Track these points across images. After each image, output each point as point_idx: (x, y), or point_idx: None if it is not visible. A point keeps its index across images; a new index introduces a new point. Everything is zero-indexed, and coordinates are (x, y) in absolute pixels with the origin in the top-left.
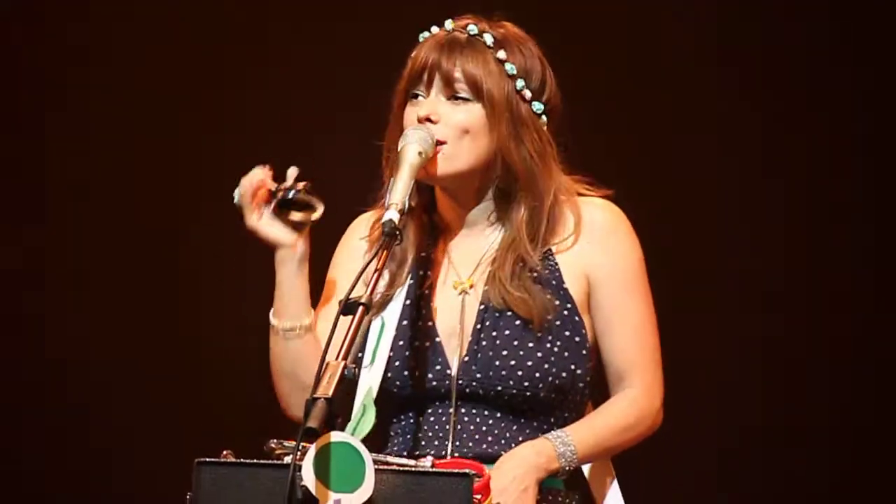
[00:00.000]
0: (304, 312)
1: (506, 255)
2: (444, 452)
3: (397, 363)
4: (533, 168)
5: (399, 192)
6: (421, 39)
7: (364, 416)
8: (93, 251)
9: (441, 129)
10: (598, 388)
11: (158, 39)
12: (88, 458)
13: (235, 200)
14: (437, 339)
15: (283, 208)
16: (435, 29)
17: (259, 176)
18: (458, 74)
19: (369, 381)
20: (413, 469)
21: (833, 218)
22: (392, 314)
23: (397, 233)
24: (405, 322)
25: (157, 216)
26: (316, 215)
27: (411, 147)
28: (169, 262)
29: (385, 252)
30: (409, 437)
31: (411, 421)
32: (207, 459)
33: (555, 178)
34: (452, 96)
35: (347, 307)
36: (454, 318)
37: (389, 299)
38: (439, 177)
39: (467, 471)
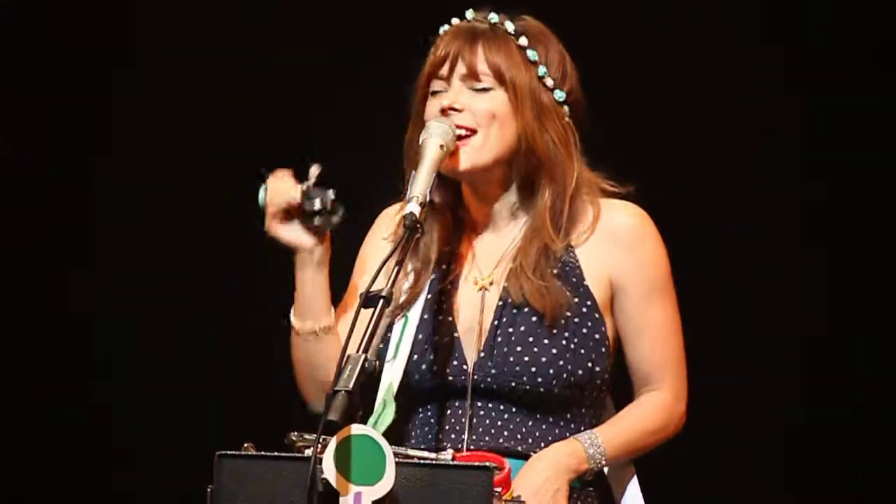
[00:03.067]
0: (324, 314)
1: (530, 244)
2: (460, 446)
3: (416, 357)
4: (556, 154)
5: (420, 185)
6: (441, 33)
7: (384, 410)
8: (133, 242)
9: (467, 117)
10: (620, 387)
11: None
12: (111, 451)
13: (260, 202)
14: (456, 335)
15: (304, 213)
16: (455, 21)
17: (286, 187)
18: (480, 62)
19: (391, 375)
20: (433, 462)
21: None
22: (415, 310)
23: (418, 226)
24: (426, 317)
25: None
26: (336, 221)
27: (433, 140)
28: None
29: (406, 245)
30: (426, 430)
31: (429, 414)
32: (228, 452)
33: (577, 167)
34: (475, 86)
35: (368, 300)
36: (474, 314)
37: (415, 297)
38: (466, 171)
39: (488, 464)
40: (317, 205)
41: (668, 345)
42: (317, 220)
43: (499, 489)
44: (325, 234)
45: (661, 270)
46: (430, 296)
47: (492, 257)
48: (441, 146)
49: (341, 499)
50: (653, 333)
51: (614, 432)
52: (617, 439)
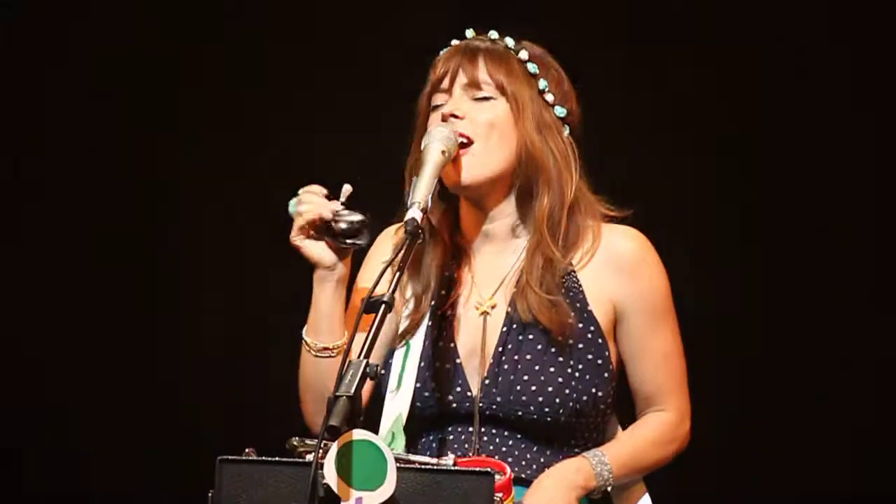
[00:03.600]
0: (338, 333)
1: (532, 260)
2: None
3: (419, 384)
4: (556, 165)
5: (421, 190)
6: (441, 53)
7: (393, 442)
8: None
9: (467, 126)
10: (622, 408)
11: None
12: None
13: (291, 211)
14: (458, 361)
15: (333, 231)
16: (455, 42)
17: (320, 202)
18: (481, 73)
19: (397, 407)
20: (435, 467)
21: None
22: (417, 337)
23: (420, 231)
24: (427, 343)
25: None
26: (363, 242)
27: (434, 146)
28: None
29: (408, 250)
30: (432, 456)
31: (432, 441)
32: (230, 457)
33: (576, 182)
34: (476, 96)
35: (370, 305)
36: (475, 338)
37: (416, 324)
38: (469, 184)
39: (489, 469)
40: (346, 225)
41: (671, 366)
42: (342, 241)
43: (500, 494)
44: (348, 254)
45: (662, 295)
46: (430, 322)
47: (492, 280)
48: (443, 151)
49: None
50: (656, 356)
51: (620, 449)
52: (623, 457)
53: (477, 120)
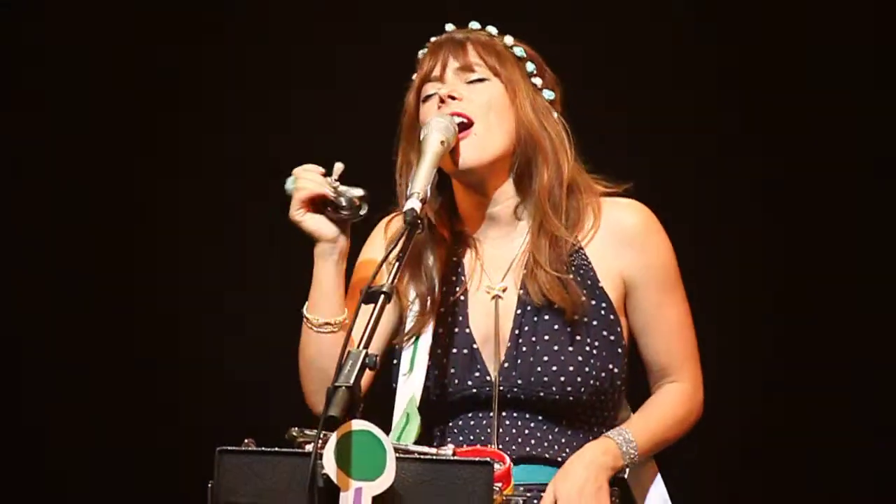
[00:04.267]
0: (339, 308)
1: (539, 239)
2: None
3: (436, 372)
4: (552, 144)
5: (421, 180)
6: (425, 48)
7: (408, 424)
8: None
9: (466, 106)
10: (632, 383)
11: None
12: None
13: (288, 189)
14: (475, 346)
15: (333, 204)
16: (434, 39)
17: (317, 178)
18: (472, 56)
19: (410, 389)
20: (434, 457)
21: None
22: (428, 327)
23: (419, 221)
24: (441, 330)
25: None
26: (363, 214)
27: (433, 135)
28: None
29: (407, 240)
30: (451, 443)
31: (452, 428)
32: (229, 448)
33: (571, 162)
34: (470, 78)
35: (369, 296)
36: (489, 323)
37: (425, 324)
38: (470, 167)
39: (488, 459)
40: (345, 201)
41: (683, 337)
42: (344, 213)
43: (499, 484)
44: (347, 227)
45: (671, 265)
46: (442, 309)
47: (500, 264)
48: (442, 141)
49: (342, 494)
50: (668, 328)
51: (643, 426)
52: (646, 433)
53: (474, 100)
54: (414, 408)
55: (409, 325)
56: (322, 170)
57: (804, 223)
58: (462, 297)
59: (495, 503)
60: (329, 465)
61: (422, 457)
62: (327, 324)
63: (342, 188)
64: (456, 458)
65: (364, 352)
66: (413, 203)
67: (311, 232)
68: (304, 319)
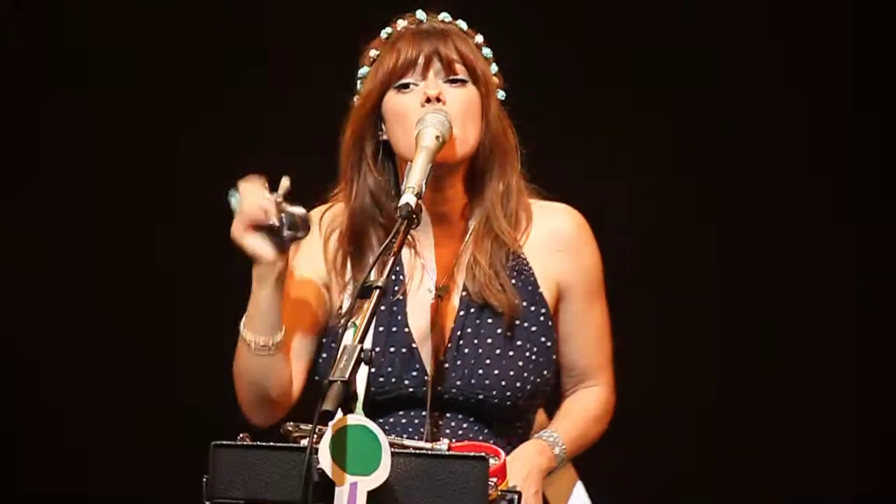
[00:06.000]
0: (277, 329)
1: (483, 239)
2: None
3: (374, 369)
4: (510, 149)
5: (416, 176)
6: (384, 36)
7: None
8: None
9: (447, 109)
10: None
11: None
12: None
13: (232, 205)
14: (413, 345)
15: (274, 227)
16: (402, 22)
17: (260, 196)
18: (456, 57)
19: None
20: (429, 452)
21: None
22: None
23: (414, 216)
24: (381, 328)
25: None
26: (301, 236)
27: (429, 131)
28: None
29: (403, 235)
30: None
31: (383, 425)
32: (224, 442)
33: (516, 166)
34: (451, 79)
35: (363, 290)
36: (429, 322)
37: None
38: (457, 159)
39: (483, 454)
40: (287, 220)
41: (605, 342)
42: (285, 234)
43: (494, 479)
44: (287, 249)
45: (598, 270)
46: (382, 307)
47: (443, 263)
48: (437, 137)
49: (337, 489)
50: (593, 333)
51: (569, 427)
52: (573, 434)
53: (453, 104)
54: (359, 405)
55: (345, 304)
56: (265, 184)
57: None
58: (402, 296)
59: (490, 498)
60: (324, 460)
61: (417, 452)
62: (264, 346)
63: (285, 206)
64: (451, 453)
65: (360, 346)
66: (408, 198)
67: (252, 253)
68: (242, 338)
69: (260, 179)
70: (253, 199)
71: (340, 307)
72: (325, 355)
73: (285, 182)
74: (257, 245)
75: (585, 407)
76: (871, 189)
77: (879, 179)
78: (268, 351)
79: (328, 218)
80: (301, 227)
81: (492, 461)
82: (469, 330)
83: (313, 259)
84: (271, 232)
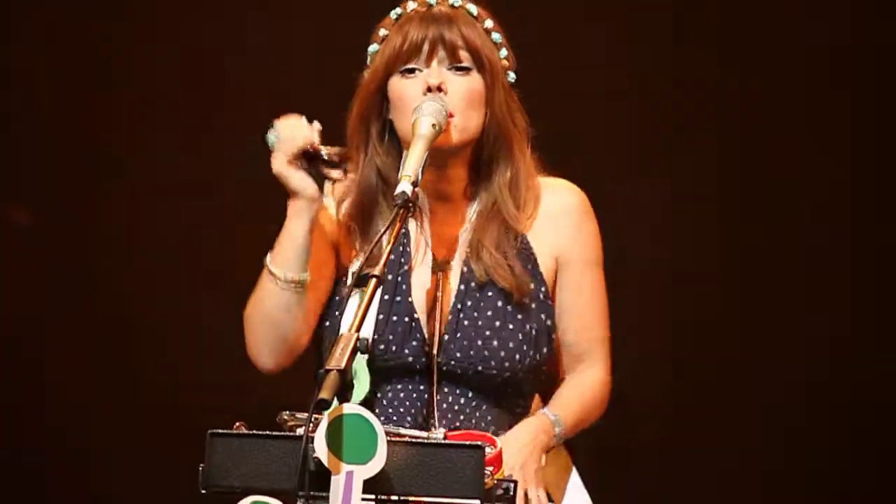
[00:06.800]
0: (305, 267)
1: (489, 222)
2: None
3: (377, 336)
4: (518, 137)
5: (412, 164)
6: (394, 16)
7: (357, 380)
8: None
9: (450, 98)
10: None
11: None
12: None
13: (270, 142)
14: (416, 316)
15: (319, 159)
16: (412, 4)
17: (303, 129)
18: (461, 44)
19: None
20: (425, 441)
21: None
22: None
23: (410, 204)
24: (386, 297)
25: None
26: (344, 170)
27: (425, 119)
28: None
29: (399, 224)
30: (389, 409)
31: (389, 394)
32: (220, 431)
33: (525, 150)
34: (455, 66)
35: (360, 279)
36: (431, 296)
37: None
38: (452, 145)
39: (479, 443)
40: (331, 154)
41: (603, 319)
42: (327, 169)
43: (490, 468)
44: (323, 186)
45: (598, 246)
46: (389, 276)
47: (446, 239)
48: (434, 125)
49: (333, 477)
50: (591, 308)
51: (568, 406)
52: (572, 414)
53: (456, 93)
54: (363, 364)
55: (349, 278)
56: (305, 121)
57: None
58: (407, 268)
59: (486, 486)
60: (320, 449)
61: (413, 440)
62: (294, 281)
63: (321, 147)
64: (447, 441)
65: (356, 335)
66: (405, 186)
67: (295, 187)
68: (269, 273)
69: (298, 115)
70: (296, 130)
71: (346, 276)
72: (328, 323)
73: (317, 124)
74: (300, 179)
75: (584, 390)
76: None
77: None
78: (295, 287)
79: (338, 189)
80: (342, 165)
81: (487, 450)
82: (469, 303)
83: (327, 220)
84: (311, 167)
